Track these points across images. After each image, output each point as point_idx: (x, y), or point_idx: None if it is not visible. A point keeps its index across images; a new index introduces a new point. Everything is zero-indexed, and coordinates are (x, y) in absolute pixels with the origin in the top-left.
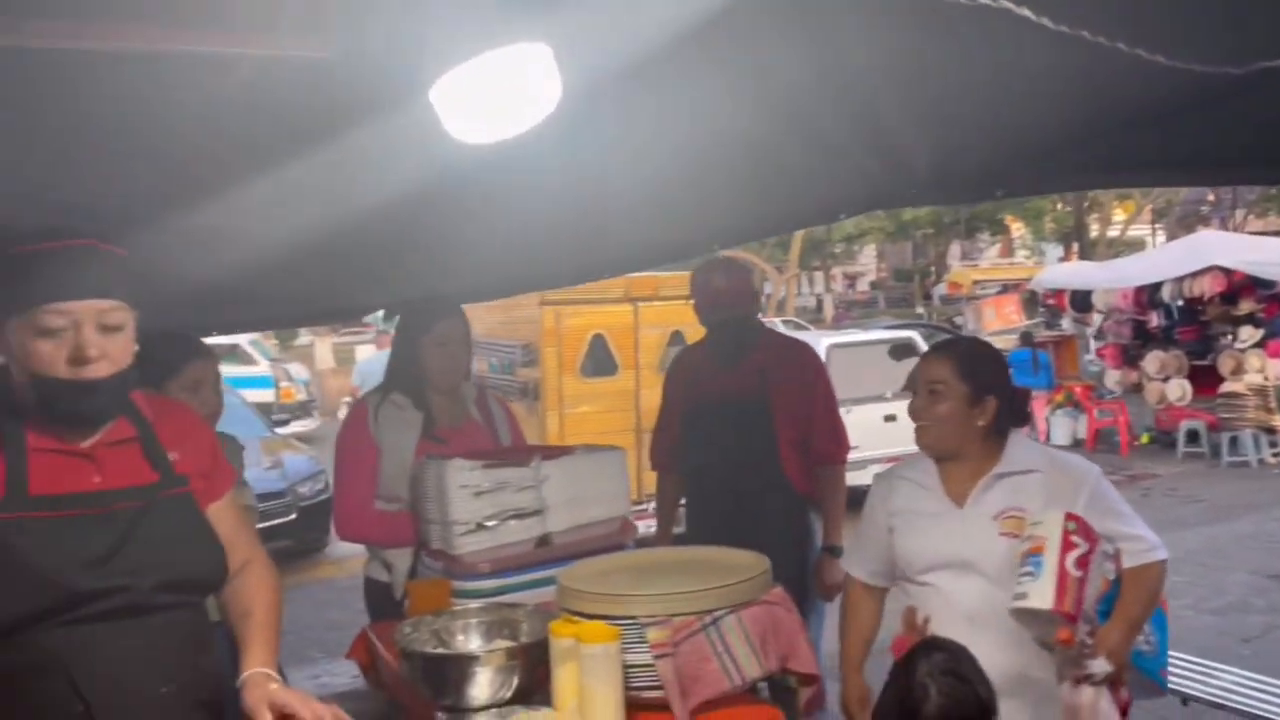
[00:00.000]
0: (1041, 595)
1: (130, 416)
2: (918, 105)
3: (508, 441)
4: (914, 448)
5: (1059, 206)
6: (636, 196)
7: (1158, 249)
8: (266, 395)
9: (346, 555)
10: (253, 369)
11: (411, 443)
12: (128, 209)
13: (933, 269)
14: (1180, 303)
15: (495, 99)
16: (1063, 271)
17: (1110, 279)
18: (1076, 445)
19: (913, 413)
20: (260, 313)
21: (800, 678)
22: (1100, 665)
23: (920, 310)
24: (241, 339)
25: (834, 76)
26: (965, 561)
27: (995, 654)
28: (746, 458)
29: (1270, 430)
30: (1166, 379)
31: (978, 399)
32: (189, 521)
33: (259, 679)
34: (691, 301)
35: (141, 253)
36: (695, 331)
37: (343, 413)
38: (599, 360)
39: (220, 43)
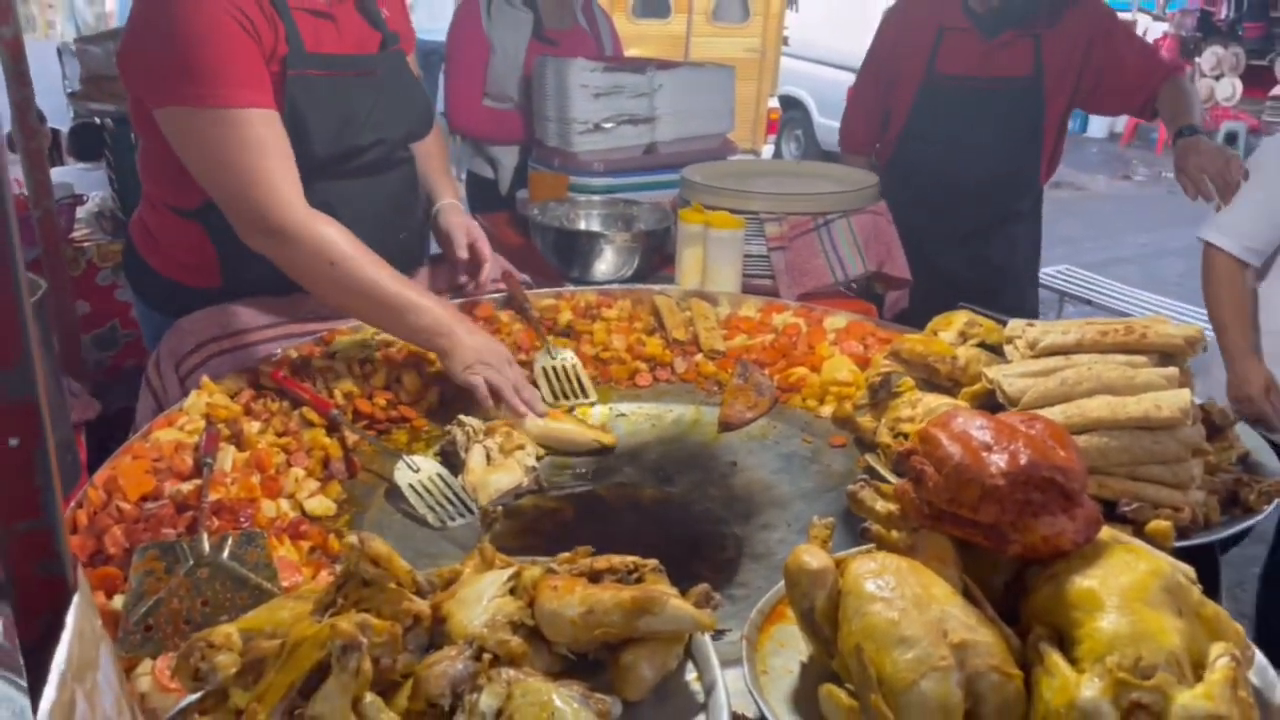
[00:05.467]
0: None
1: None
2: None
3: (610, 51)
4: None
5: None
6: None
7: None
8: None
9: None
10: None
11: (522, 43)
12: None
13: None
14: None
15: None
16: None
17: None
18: (1112, 139)
19: None
20: None
21: (891, 281)
22: None
23: None
24: None
25: None
26: None
27: None
28: (999, 157)
29: None
30: (1219, 76)
31: None
32: (407, 76)
33: (453, 208)
34: None
35: None
36: None
37: None
38: None
39: None
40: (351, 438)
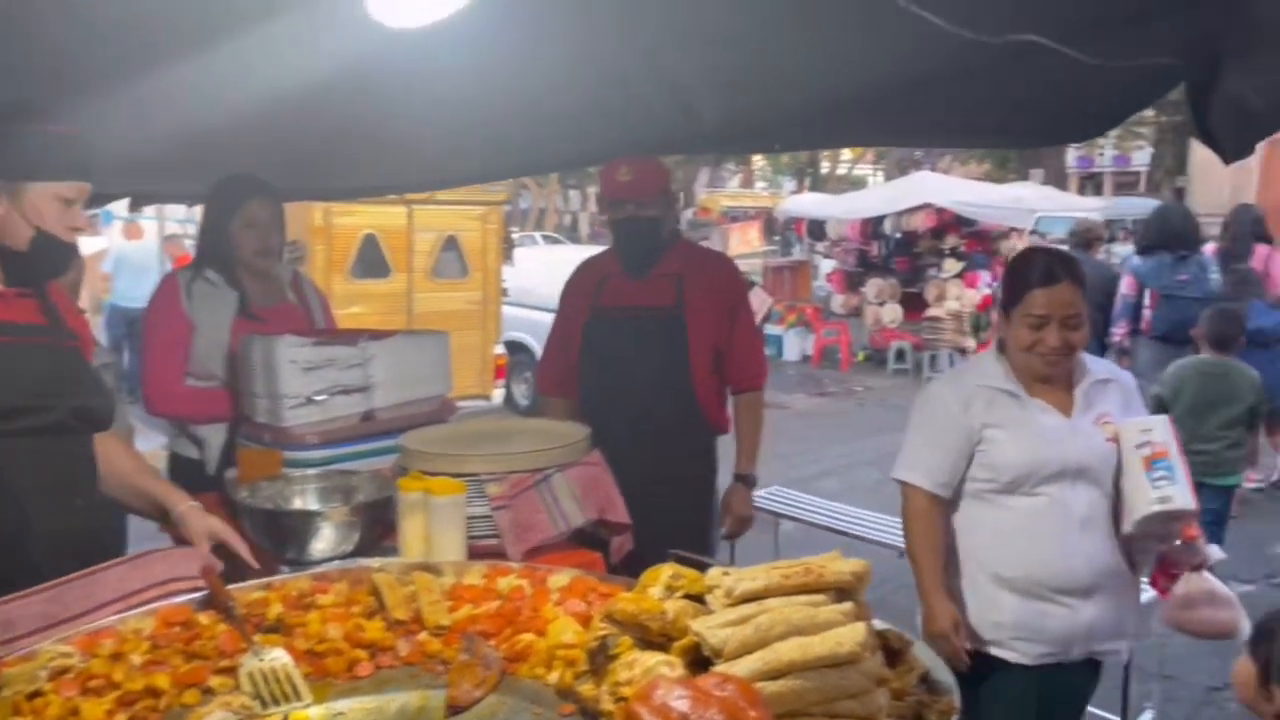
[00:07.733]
0: (1184, 497)
1: None
2: (712, 70)
3: (322, 323)
4: None
5: None
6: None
7: (882, 185)
8: None
9: None
10: None
11: (227, 321)
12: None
13: (681, 194)
14: (899, 235)
15: None
16: (803, 201)
17: (843, 210)
18: (804, 361)
19: (1047, 350)
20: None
21: (613, 527)
22: (1216, 551)
23: None
24: None
25: (641, 38)
26: (1080, 469)
27: (1097, 553)
28: (656, 378)
29: (963, 351)
30: (883, 304)
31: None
32: (82, 366)
33: (194, 511)
34: (598, 195)
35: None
36: (470, 238)
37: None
38: (370, 262)
39: None
40: None
